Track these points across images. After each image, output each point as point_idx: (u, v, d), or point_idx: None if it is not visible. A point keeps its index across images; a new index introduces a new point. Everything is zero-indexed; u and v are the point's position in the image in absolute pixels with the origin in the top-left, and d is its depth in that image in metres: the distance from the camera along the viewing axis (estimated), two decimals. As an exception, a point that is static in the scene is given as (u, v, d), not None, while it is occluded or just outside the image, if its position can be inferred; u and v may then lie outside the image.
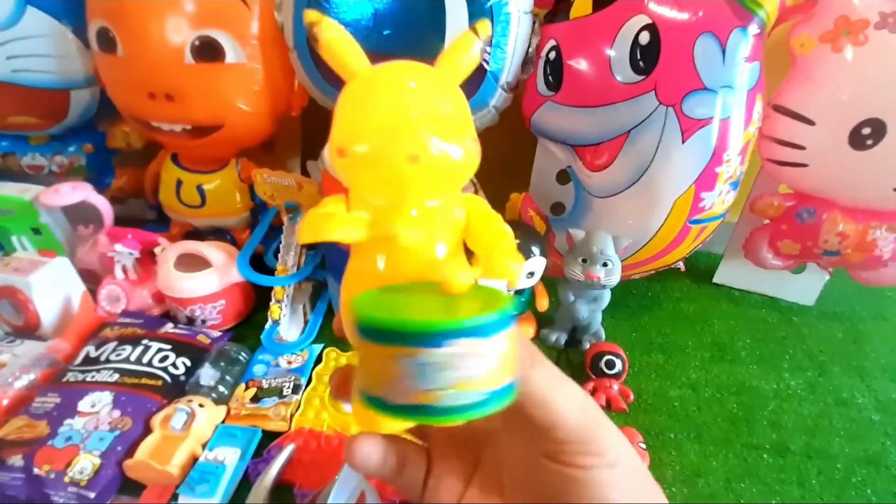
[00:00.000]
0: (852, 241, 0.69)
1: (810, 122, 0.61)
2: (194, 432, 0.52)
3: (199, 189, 0.71)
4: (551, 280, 0.71)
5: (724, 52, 0.55)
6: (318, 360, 0.65)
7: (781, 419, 0.63)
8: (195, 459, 0.51)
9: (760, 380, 0.69)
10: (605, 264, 0.62)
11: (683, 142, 0.56)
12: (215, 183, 0.72)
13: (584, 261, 0.63)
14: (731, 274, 0.87)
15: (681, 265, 0.74)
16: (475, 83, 0.60)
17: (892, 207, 0.66)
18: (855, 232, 0.69)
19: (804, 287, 0.84)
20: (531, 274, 0.65)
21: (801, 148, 0.63)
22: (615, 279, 0.63)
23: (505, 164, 0.81)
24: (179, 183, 0.72)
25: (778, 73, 0.63)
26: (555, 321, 0.72)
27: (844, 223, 0.69)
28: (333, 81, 0.62)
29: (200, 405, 0.54)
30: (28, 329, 0.64)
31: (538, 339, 0.73)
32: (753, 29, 0.56)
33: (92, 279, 0.71)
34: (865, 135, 0.59)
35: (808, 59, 0.60)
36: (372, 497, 0.47)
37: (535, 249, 0.64)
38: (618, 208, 0.64)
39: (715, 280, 0.88)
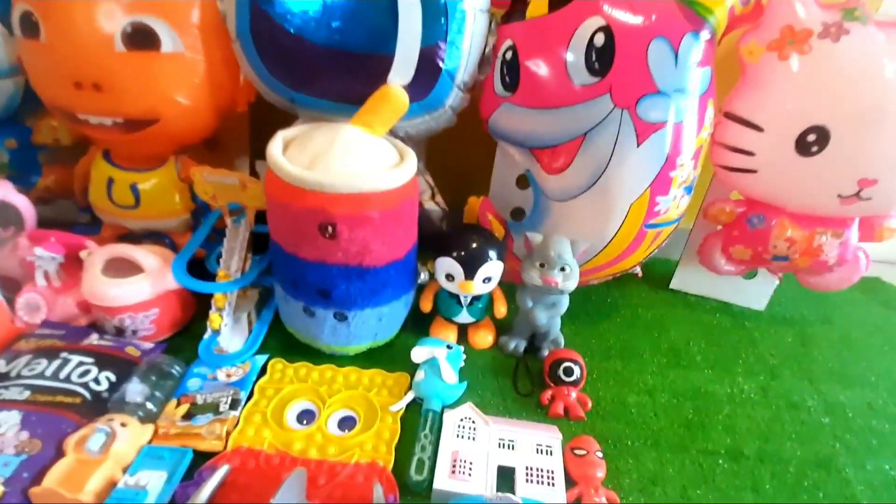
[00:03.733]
0: (800, 246, 0.71)
1: (759, 129, 0.62)
2: (114, 455, 0.47)
3: (133, 188, 0.66)
4: (510, 286, 0.69)
5: (676, 56, 0.55)
6: (263, 372, 0.61)
7: (735, 424, 0.63)
8: (114, 485, 0.46)
9: (715, 384, 0.69)
10: (562, 269, 0.61)
11: (638, 145, 0.55)
12: (151, 182, 0.67)
13: (541, 265, 0.62)
14: (686, 280, 0.88)
15: (637, 270, 0.74)
16: (430, 82, 0.58)
17: (836, 214, 0.67)
18: (802, 238, 0.71)
19: (755, 292, 0.86)
20: (488, 279, 0.63)
21: (751, 154, 0.64)
22: (573, 284, 0.62)
23: (463, 167, 0.79)
24: (111, 182, 0.66)
25: (728, 81, 0.64)
26: (513, 328, 0.70)
27: (792, 229, 0.70)
28: (280, 75, 0.58)
29: (122, 424, 0.49)
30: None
31: (496, 347, 0.71)
32: (705, 34, 0.56)
33: (11, 286, 0.64)
34: (810, 142, 0.60)
35: (756, 67, 0.61)
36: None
37: (493, 254, 0.62)
38: (576, 212, 0.63)
39: (671, 286, 0.89)
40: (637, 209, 0.60)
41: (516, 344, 0.69)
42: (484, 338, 0.71)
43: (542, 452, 0.53)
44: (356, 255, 0.54)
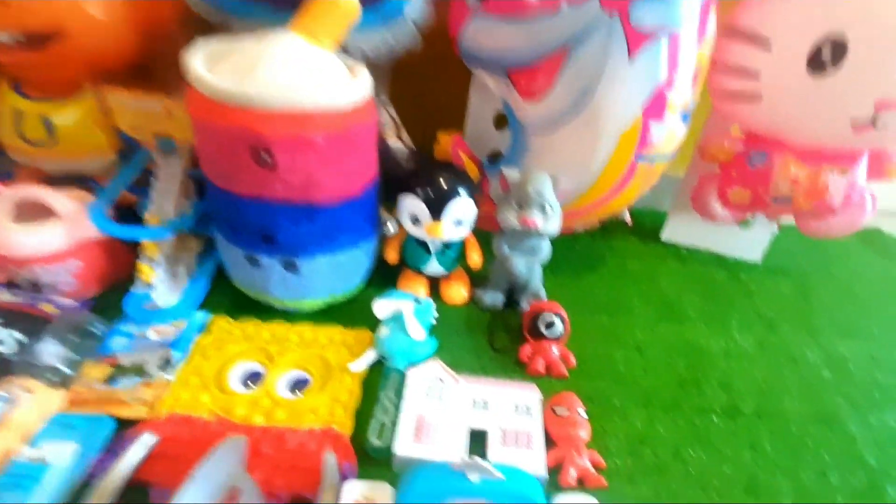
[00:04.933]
0: (804, 186, 0.64)
1: (766, 46, 0.54)
2: (14, 424, 0.40)
3: (46, 122, 0.57)
4: (486, 236, 0.62)
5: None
6: (204, 330, 0.53)
7: (731, 380, 0.58)
8: (11, 459, 0.39)
9: (709, 339, 0.63)
10: (542, 208, 0.54)
11: (630, 58, 0.47)
12: (67, 115, 0.57)
13: (519, 205, 0.54)
14: (678, 231, 0.82)
15: (627, 216, 0.67)
16: (388, -13, 0.49)
17: (846, 145, 0.61)
18: (807, 176, 0.64)
19: (751, 243, 0.80)
20: (459, 222, 0.56)
21: (755, 77, 0.56)
22: (554, 226, 0.55)
23: (433, 101, 0.71)
24: (20, 115, 0.57)
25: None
26: (490, 280, 0.64)
27: (796, 167, 0.64)
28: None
29: (26, 389, 0.42)
30: None
31: (472, 302, 0.64)
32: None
33: None
34: (825, 60, 0.53)
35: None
36: (250, 495, 0.37)
37: (463, 191, 0.54)
38: (558, 145, 0.55)
39: (662, 238, 0.83)
40: (628, 138, 0.52)
41: (493, 297, 0.63)
42: (457, 291, 0.64)
43: (519, 412, 0.47)
44: (300, 188, 0.45)
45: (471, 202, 0.56)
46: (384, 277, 0.63)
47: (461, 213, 0.55)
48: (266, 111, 0.41)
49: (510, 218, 0.54)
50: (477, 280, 0.66)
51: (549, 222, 0.54)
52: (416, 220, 0.55)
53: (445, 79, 0.68)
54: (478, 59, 0.56)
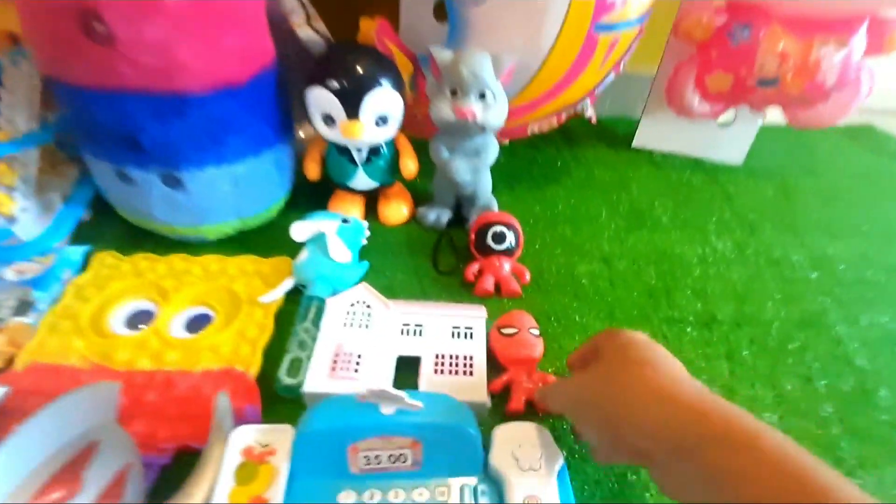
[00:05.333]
0: (794, 63, 0.55)
1: None
2: None
3: None
4: (424, 144, 0.52)
5: None
6: (83, 267, 0.45)
7: (707, 287, 0.51)
8: None
9: (683, 246, 0.56)
10: (482, 95, 0.44)
11: None
12: None
13: (453, 93, 0.45)
14: (651, 136, 0.74)
15: (590, 112, 0.57)
16: None
17: (845, 10, 0.51)
18: (797, 51, 0.55)
19: (731, 145, 0.72)
20: (383, 119, 0.46)
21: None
22: (497, 117, 0.45)
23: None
24: None
25: None
26: (434, 195, 0.55)
27: (786, 40, 0.54)
28: None
29: None
30: None
31: (415, 221, 0.56)
32: None
33: None
34: None
35: None
36: (113, 451, 0.30)
37: (384, 80, 0.44)
38: (498, 17, 0.45)
39: (634, 144, 0.74)
40: (581, 4, 0.42)
41: (438, 214, 0.54)
42: (396, 210, 0.55)
43: (458, 336, 0.40)
44: (156, 71, 0.35)
45: (396, 95, 0.46)
46: (313, 198, 0.54)
47: (384, 107, 0.45)
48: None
49: (443, 109, 0.45)
50: (422, 197, 0.57)
51: (491, 112, 0.45)
52: (329, 121, 0.45)
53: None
54: None
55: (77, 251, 0.45)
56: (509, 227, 0.49)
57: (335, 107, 0.44)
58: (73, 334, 0.39)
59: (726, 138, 0.71)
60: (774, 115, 0.66)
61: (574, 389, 0.30)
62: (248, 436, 0.31)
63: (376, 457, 0.29)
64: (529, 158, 0.69)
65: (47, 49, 0.36)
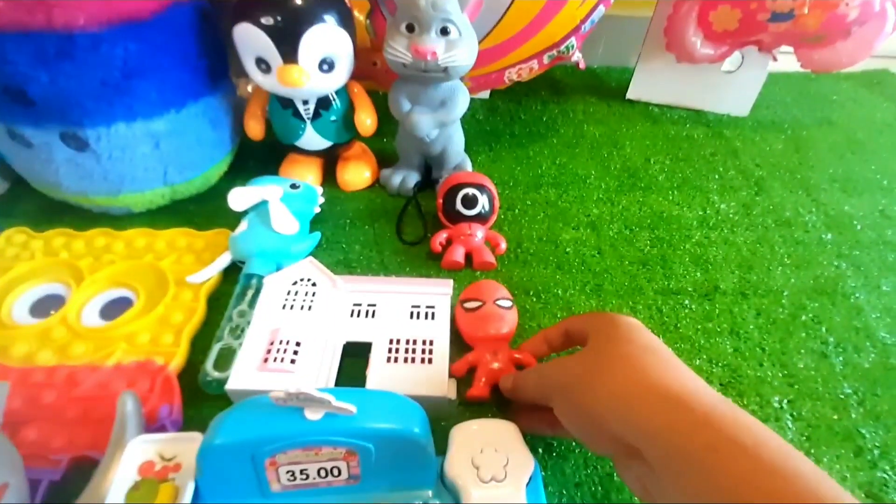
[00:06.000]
0: (811, -8, 0.47)
1: None
2: None
3: None
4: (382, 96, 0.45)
5: None
6: (-14, 247, 0.38)
7: (708, 252, 0.45)
8: None
9: (682, 207, 0.50)
10: (444, 31, 0.37)
11: None
12: None
13: (410, 29, 0.37)
14: (647, 86, 0.66)
15: (578, 56, 0.50)
16: None
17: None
18: (816, -22, 0.47)
19: (737, 94, 0.64)
20: (328, 64, 0.39)
21: None
22: (464, 57, 0.38)
23: None
24: None
25: None
26: (399, 156, 0.48)
27: (803, -36, 0.47)
28: None
29: None
30: None
31: (378, 186, 0.49)
32: None
33: None
34: None
35: None
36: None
37: (329, 16, 0.37)
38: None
39: (628, 96, 0.67)
40: None
41: (403, 177, 0.48)
42: (356, 173, 0.48)
43: (418, 317, 0.34)
44: (31, 2, 0.28)
45: (343, 33, 0.38)
46: (264, 163, 0.48)
47: (328, 48, 0.38)
48: None
49: (399, 50, 0.37)
50: (388, 160, 0.50)
51: (456, 51, 0.37)
52: (263, 65, 0.38)
53: None
54: None
55: (-25, 228, 0.38)
56: (482, 188, 0.42)
57: (268, 48, 0.36)
58: (-35, 324, 0.33)
59: (731, 87, 0.64)
60: (784, 63, 0.59)
61: (556, 374, 0.26)
62: (149, 447, 0.25)
63: (302, 471, 0.24)
64: (511, 114, 0.62)
65: None
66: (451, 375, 0.31)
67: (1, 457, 0.25)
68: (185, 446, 0.25)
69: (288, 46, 0.37)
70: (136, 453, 0.25)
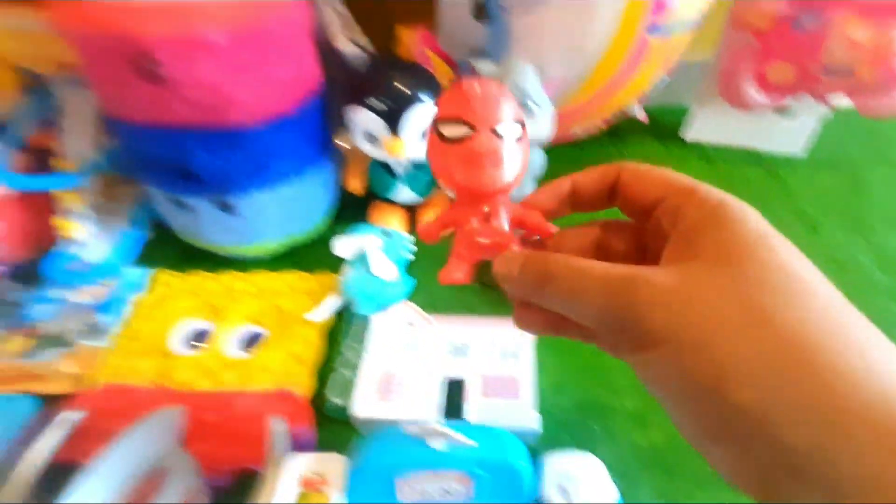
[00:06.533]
0: (867, 51, 0.50)
1: None
2: (-84, 412, 0.35)
3: (-73, 59, 0.47)
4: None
5: None
6: (144, 288, 0.47)
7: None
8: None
9: (740, 250, 0.53)
10: (525, 107, 0.43)
11: None
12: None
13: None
14: (703, 128, 0.70)
15: (640, 112, 0.55)
16: None
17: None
18: (871, 39, 0.50)
19: (792, 134, 0.67)
20: (426, 135, 0.46)
21: None
22: (544, 129, 0.44)
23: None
24: None
25: None
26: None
27: (858, 27, 0.50)
28: None
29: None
30: None
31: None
32: None
33: None
34: None
35: None
36: (181, 477, 0.32)
37: (425, 95, 0.44)
38: (545, 24, 0.43)
39: (685, 137, 0.70)
40: (634, 6, 0.39)
41: (480, 223, 0.53)
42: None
43: (504, 356, 0.40)
44: (208, 107, 0.36)
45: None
46: (353, 210, 0.55)
47: (426, 122, 0.45)
48: (140, 6, 0.30)
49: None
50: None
51: (537, 124, 0.43)
52: (371, 139, 0.45)
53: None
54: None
55: (138, 273, 0.47)
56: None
57: (377, 126, 0.44)
58: (139, 355, 0.42)
59: (787, 128, 0.66)
60: (842, 100, 0.61)
61: (616, 292, 0.16)
62: (302, 464, 0.32)
63: (427, 491, 0.30)
64: (573, 159, 0.66)
65: (102, 87, 0.37)
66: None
67: (187, 467, 0.33)
68: (329, 465, 0.32)
69: (394, 124, 0.43)
70: (294, 468, 0.32)
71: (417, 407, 0.36)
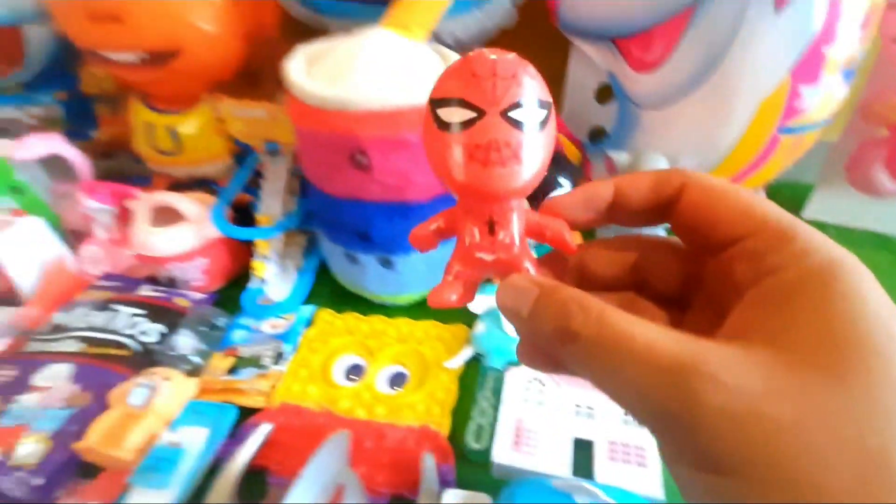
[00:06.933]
0: None
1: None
2: (156, 410, 0.45)
3: (173, 133, 0.62)
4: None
5: None
6: (311, 323, 0.56)
7: None
8: (155, 441, 0.44)
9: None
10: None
11: (777, 7, 0.38)
12: (189, 124, 0.62)
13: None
14: (827, 206, 0.69)
15: (761, 193, 0.57)
16: (478, -37, 0.45)
17: None
18: None
19: (928, 220, 0.65)
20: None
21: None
22: (671, 215, 0.48)
23: (529, 79, 0.66)
24: (150, 127, 0.63)
25: None
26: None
27: None
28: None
29: (165, 378, 0.47)
30: (4, 296, 0.59)
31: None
32: None
33: (78, 239, 0.65)
34: None
35: None
36: (354, 492, 0.38)
37: (563, 180, 0.50)
38: (676, 120, 0.48)
39: (806, 215, 0.70)
40: (769, 108, 0.43)
41: (598, 291, 0.58)
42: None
43: (629, 422, 0.43)
44: (395, 188, 0.45)
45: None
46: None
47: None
48: (360, 113, 0.40)
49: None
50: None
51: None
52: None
53: (539, 51, 0.62)
54: (581, 29, 0.51)
55: (308, 309, 0.56)
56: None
57: (520, 203, 0.50)
58: (308, 381, 0.50)
59: (921, 213, 0.65)
60: None
61: (667, 356, 0.12)
62: (454, 499, 0.37)
63: (569, 539, 0.34)
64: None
65: (318, 170, 0.47)
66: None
67: (357, 485, 0.39)
68: (477, 501, 0.37)
69: (533, 201, 0.50)
70: (450, 501, 0.37)
71: (550, 461, 0.41)
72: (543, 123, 0.16)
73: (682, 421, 0.11)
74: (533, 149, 0.16)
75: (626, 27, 0.46)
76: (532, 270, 0.17)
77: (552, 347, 0.15)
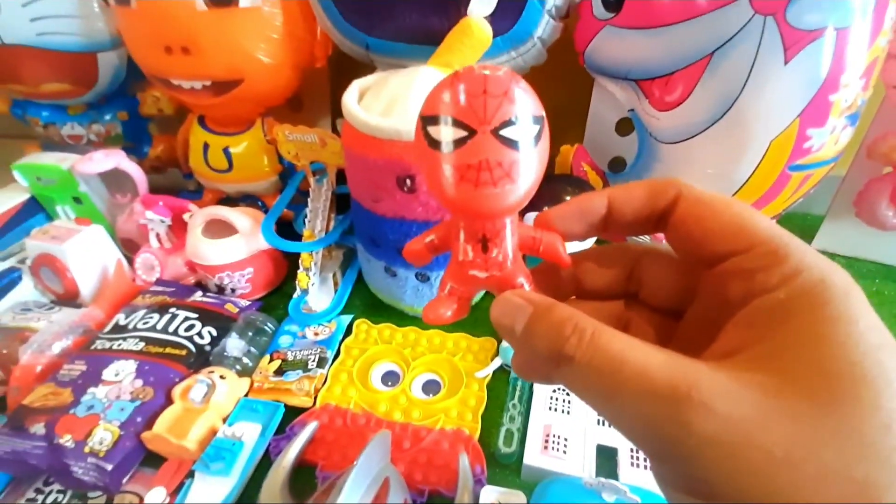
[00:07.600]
0: None
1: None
2: (214, 405, 0.49)
3: (226, 152, 0.68)
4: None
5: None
6: (348, 331, 0.60)
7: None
8: (215, 434, 0.48)
9: (876, 365, 0.56)
10: (676, 223, 0.52)
11: (786, 62, 0.43)
12: (242, 145, 0.68)
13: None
14: (835, 238, 0.73)
15: (773, 226, 0.61)
16: (515, 10, 0.51)
17: None
18: None
19: (934, 253, 0.68)
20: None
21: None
22: (689, 241, 0.52)
23: (556, 111, 0.70)
24: (206, 147, 0.69)
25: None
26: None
27: None
28: (354, 18, 0.54)
29: (221, 377, 0.51)
30: (68, 297, 0.64)
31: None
32: None
33: (132, 248, 0.70)
34: None
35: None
36: (397, 486, 0.42)
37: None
38: (693, 155, 0.52)
39: (815, 246, 0.74)
40: (780, 147, 0.48)
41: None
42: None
43: (649, 433, 0.47)
44: (436, 209, 0.49)
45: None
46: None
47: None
48: (410, 143, 0.45)
49: (641, 239, 0.53)
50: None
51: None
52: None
53: (564, 85, 0.67)
54: (606, 70, 0.56)
55: (346, 318, 0.61)
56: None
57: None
58: (348, 385, 0.54)
59: (927, 246, 0.68)
60: None
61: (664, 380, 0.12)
62: (492, 495, 0.41)
63: (596, 533, 0.37)
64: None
65: (367, 192, 0.52)
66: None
67: (400, 480, 0.43)
68: (512, 498, 0.40)
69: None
70: (487, 497, 0.41)
71: (576, 464, 0.44)
72: (537, 138, 0.16)
73: (675, 449, 0.12)
74: (526, 166, 0.16)
75: (649, 72, 0.51)
76: (527, 286, 0.17)
77: (546, 368, 0.15)
